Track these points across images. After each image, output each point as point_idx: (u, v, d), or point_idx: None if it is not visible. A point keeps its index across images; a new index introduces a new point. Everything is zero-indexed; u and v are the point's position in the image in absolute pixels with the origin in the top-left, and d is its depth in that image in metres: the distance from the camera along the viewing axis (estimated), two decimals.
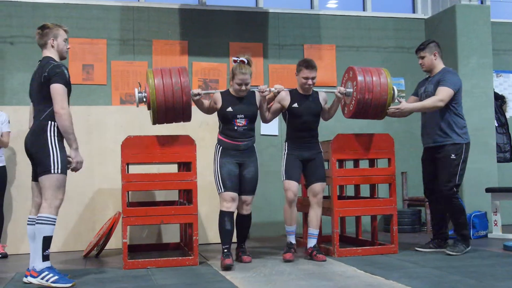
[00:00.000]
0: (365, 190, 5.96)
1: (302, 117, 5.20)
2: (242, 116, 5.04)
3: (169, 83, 4.82)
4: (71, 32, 6.69)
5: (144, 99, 4.92)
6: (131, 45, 6.98)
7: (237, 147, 5.05)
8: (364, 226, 6.44)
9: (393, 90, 5.21)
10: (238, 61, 5.06)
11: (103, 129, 6.41)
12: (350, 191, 6.28)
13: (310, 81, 5.16)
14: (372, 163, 5.70)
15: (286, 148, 5.32)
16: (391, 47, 7.75)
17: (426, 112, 5.52)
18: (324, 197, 5.69)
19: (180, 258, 5.09)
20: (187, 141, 5.10)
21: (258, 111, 5.26)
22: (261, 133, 7.22)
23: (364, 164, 5.95)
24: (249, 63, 5.07)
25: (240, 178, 5.08)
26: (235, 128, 5.04)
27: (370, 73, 5.21)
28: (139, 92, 4.92)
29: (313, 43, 7.52)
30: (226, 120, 5.07)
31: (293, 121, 5.27)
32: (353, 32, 7.70)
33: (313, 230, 5.26)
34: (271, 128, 7.25)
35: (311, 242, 5.22)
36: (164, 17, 7.10)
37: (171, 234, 6.42)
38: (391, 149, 5.47)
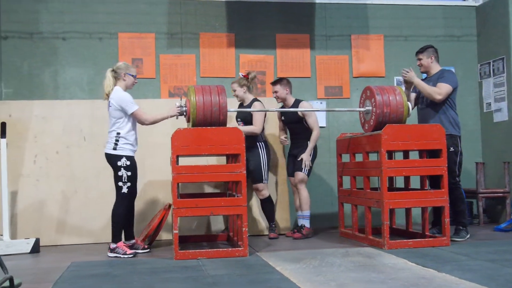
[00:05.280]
0: (415, 182, 5.90)
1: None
2: (239, 119, 6.26)
3: (208, 102, 5.13)
4: (121, 27, 6.87)
5: (184, 113, 5.28)
6: (178, 39, 7.05)
7: None
8: (413, 218, 6.36)
9: (408, 106, 5.51)
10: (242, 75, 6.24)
11: None
12: (399, 183, 6.22)
13: (274, 95, 6.27)
14: (421, 154, 5.63)
15: None
16: (440, 36, 7.59)
17: (422, 107, 5.97)
18: (374, 189, 5.66)
19: (230, 249, 5.14)
20: (236, 133, 5.13)
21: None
22: None
23: (413, 155, 5.89)
24: (247, 78, 6.21)
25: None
26: None
27: (386, 91, 5.51)
28: (179, 106, 5.27)
29: (360, 33, 7.44)
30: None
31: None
32: (401, 21, 7.57)
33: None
34: (319, 120, 7.17)
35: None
36: (211, 10, 7.13)
37: (220, 225, 6.48)
38: (442, 139, 5.37)
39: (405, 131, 5.34)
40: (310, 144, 6.15)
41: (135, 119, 5.36)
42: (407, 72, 5.90)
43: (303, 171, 6.13)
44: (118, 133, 5.28)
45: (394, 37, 7.52)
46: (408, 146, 5.40)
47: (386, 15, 7.54)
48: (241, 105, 6.27)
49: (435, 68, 5.96)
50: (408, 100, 5.99)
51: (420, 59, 5.99)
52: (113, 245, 5.16)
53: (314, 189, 7.09)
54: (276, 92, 6.23)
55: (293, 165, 6.28)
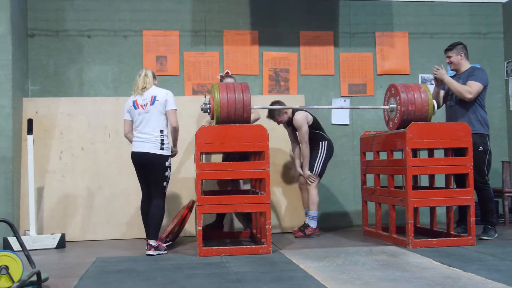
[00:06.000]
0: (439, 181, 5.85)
1: None
2: None
3: (232, 100, 5.13)
4: (145, 25, 6.92)
5: (208, 111, 5.29)
6: (202, 36, 7.07)
7: None
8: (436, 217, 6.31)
9: (433, 104, 5.44)
10: (224, 74, 6.26)
11: None
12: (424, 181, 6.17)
13: None
14: (447, 152, 5.58)
15: None
16: (466, 33, 7.50)
17: (451, 105, 5.89)
18: (397, 187, 5.63)
19: (253, 246, 5.15)
20: (259, 131, 5.13)
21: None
22: (332, 122, 7.17)
23: (438, 154, 5.84)
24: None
25: None
26: None
27: (411, 88, 5.46)
28: (204, 103, 5.29)
29: (385, 30, 7.39)
30: None
31: None
32: (427, 19, 7.50)
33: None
34: (343, 117, 7.19)
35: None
36: (235, 8, 7.14)
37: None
38: (468, 138, 5.31)
39: (430, 129, 5.30)
40: (304, 161, 6.06)
41: (168, 118, 5.33)
42: (438, 69, 5.83)
43: (313, 171, 6.06)
44: (162, 131, 5.22)
45: (419, 35, 7.45)
46: (433, 144, 5.35)
47: (411, 12, 7.47)
48: None
49: (465, 65, 5.89)
50: (437, 97, 5.93)
51: (449, 57, 5.92)
52: (154, 243, 5.13)
53: (337, 187, 7.09)
54: (280, 122, 6.11)
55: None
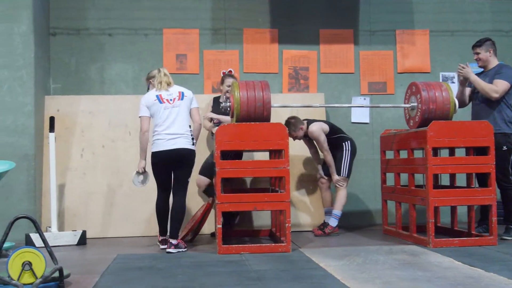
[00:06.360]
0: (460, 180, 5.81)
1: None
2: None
3: (252, 98, 5.13)
4: (165, 23, 6.96)
5: (229, 109, 5.29)
6: (222, 34, 7.09)
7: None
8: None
9: (455, 102, 5.40)
10: (226, 72, 6.24)
11: None
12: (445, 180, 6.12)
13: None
14: (468, 151, 5.53)
15: None
16: (488, 31, 7.40)
17: (476, 103, 5.84)
18: (418, 186, 5.59)
19: (273, 244, 5.15)
20: (279, 129, 5.13)
21: None
22: (352, 121, 7.15)
23: (459, 153, 5.79)
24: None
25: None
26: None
27: (433, 87, 5.42)
28: (224, 102, 5.32)
29: (405, 28, 7.34)
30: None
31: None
32: (448, 16, 7.43)
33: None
34: (363, 116, 7.16)
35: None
36: (254, 6, 7.14)
37: (262, 220, 6.49)
38: (490, 136, 5.25)
39: (451, 128, 5.25)
40: (330, 168, 6.05)
41: (192, 116, 5.34)
42: (463, 67, 5.74)
43: (341, 174, 6.05)
44: (190, 126, 5.27)
45: (440, 32, 7.38)
46: (455, 143, 5.30)
47: (432, 9, 7.41)
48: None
49: (493, 62, 5.82)
50: (463, 96, 5.87)
51: (477, 53, 5.84)
52: (175, 241, 5.16)
53: (357, 185, 7.06)
54: (296, 137, 6.04)
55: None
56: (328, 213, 6.16)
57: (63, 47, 6.86)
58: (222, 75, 6.30)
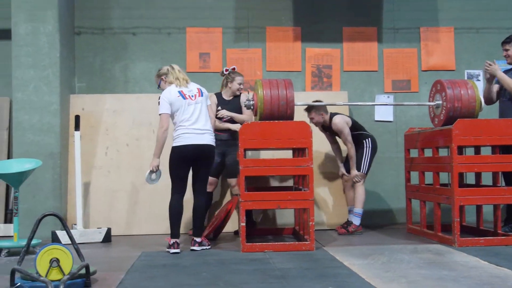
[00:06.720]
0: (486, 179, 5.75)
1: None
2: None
3: (276, 96, 5.13)
4: (188, 22, 6.98)
5: (252, 107, 5.30)
6: (245, 33, 7.10)
7: (219, 137, 5.81)
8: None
9: (481, 100, 5.36)
10: (229, 69, 6.09)
11: None
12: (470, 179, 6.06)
13: (311, 121, 6.04)
14: (494, 149, 5.47)
15: None
16: None
17: (503, 101, 5.79)
18: (443, 185, 5.54)
19: (297, 242, 5.15)
20: (303, 127, 5.12)
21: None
22: (375, 119, 7.11)
23: (485, 151, 5.73)
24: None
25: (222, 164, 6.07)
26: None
27: (458, 84, 5.37)
28: (247, 100, 5.32)
29: (430, 25, 7.27)
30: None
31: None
32: (473, 13, 7.34)
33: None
34: (386, 114, 7.11)
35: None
36: (277, 4, 7.14)
37: (285, 218, 6.49)
38: None
39: (477, 126, 5.20)
40: (351, 162, 6.03)
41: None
42: (490, 65, 5.67)
43: (361, 170, 6.03)
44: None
45: (465, 30, 7.31)
46: (480, 141, 5.25)
47: (457, 7, 7.33)
48: (225, 100, 6.16)
49: None
50: (490, 93, 5.81)
51: (507, 50, 5.80)
52: (199, 239, 5.18)
53: (380, 184, 7.02)
54: (312, 119, 6.07)
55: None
56: (352, 211, 6.14)
57: (88, 46, 6.93)
58: (225, 72, 6.13)
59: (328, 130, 6.17)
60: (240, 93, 6.14)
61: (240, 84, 6.07)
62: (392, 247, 5.09)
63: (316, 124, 6.11)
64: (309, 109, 6.05)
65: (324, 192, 6.58)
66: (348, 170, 6.16)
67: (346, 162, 6.21)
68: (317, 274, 4.00)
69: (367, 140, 6.08)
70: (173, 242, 5.06)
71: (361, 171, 6.01)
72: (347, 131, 5.99)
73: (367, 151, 6.05)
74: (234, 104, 6.08)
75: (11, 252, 5.10)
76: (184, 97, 5.13)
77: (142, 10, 7.01)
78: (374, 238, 5.81)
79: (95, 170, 6.45)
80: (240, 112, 6.07)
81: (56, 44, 6.18)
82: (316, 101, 6.08)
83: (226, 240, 5.83)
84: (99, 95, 6.71)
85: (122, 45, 6.98)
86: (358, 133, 6.08)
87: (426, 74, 7.20)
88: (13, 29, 6.17)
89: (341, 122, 5.99)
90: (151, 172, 5.23)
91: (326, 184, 6.60)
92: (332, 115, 6.09)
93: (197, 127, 5.09)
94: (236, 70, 6.16)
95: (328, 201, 6.58)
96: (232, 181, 6.12)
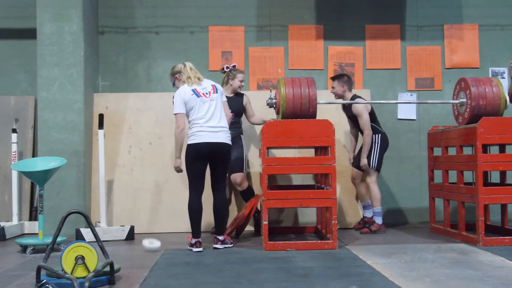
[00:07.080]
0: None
1: None
2: (230, 110, 5.47)
3: (298, 95, 5.13)
4: (211, 20, 7.00)
5: (274, 106, 5.30)
6: (267, 31, 7.09)
7: None
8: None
9: (506, 98, 5.30)
10: (230, 67, 6.09)
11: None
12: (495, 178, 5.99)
13: (331, 90, 6.15)
14: None
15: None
16: None
17: None
18: (467, 184, 5.49)
19: (319, 241, 5.14)
20: (325, 126, 5.11)
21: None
22: (398, 117, 7.06)
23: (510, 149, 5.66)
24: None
25: None
26: None
27: (482, 82, 5.32)
28: (270, 98, 5.32)
29: (453, 23, 7.19)
30: None
31: None
32: (497, 10, 7.25)
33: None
34: (409, 112, 7.06)
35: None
36: (299, 2, 7.12)
37: (307, 217, 6.48)
38: None
39: (502, 124, 5.15)
40: (364, 148, 5.99)
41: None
42: None
43: (370, 166, 5.99)
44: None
45: (490, 27, 7.22)
46: (505, 139, 5.19)
47: (481, 4, 7.24)
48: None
49: None
50: None
51: None
52: (221, 237, 5.20)
53: (403, 183, 6.97)
54: (333, 88, 6.11)
55: (359, 160, 6.10)
56: (366, 207, 6.17)
57: (111, 45, 6.98)
58: (225, 69, 6.11)
59: (347, 112, 6.16)
60: (243, 94, 6.19)
61: (241, 81, 6.10)
62: (416, 246, 5.06)
63: (335, 94, 6.14)
64: (335, 77, 6.15)
65: (342, 191, 6.52)
66: (356, 165, 6.17)
67: (357, 156, 6.21)
68: (340, 273, 4.00)
69: (377, 135, 6.03)
70: (195, 242, 5.08)
71: (371, 167, 5.98)
72: (365, 117, 5.96)
73: (376, 146, 6.02)
74: (235, 102, 6.03)
75: (36, 249, 5.17)
76: (198, 95, 5.12)
77: (164, 9, 7.05)
78: (397, 237, 5.78)
79: (118, 168, 6.50)
80: (241, 110, 6.11)
81: (81, 43, 6.24)
82: (344, 73, 6.25)
83: (248, 238, 5.84)
84: (123, 93, 6.76)
85: (145, 44, 7.02)
86: (371, 125, 6.04)
87: (450, 72, 7.13)
88: (38, 29, 6.25)
89: (361, 106, 5.98)
90: (150, 242, 5.17)
91: (344, 183, 6.55)
92: (356, 96, 6.08)
93: (211, 124, 5.07)
94: (236, 67, 6.16)
95: (346, 200, 6.53)
96: (237, 177, 5.98)
